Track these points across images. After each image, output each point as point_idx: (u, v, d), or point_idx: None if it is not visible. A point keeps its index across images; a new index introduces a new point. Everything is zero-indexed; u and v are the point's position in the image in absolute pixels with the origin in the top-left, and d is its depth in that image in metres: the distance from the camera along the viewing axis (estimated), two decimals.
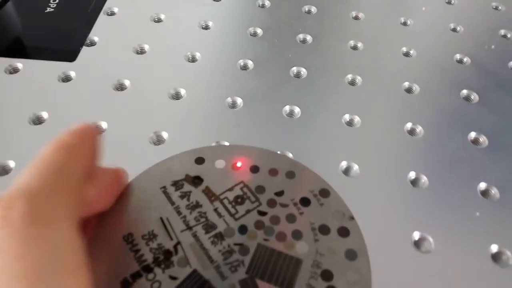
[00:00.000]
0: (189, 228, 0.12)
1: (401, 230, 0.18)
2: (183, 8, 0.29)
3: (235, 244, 0.12)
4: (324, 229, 0.12)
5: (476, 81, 0.25)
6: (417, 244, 0.18)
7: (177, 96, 0.23)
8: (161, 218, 0.13)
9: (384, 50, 0.26)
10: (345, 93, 0.24)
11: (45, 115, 0.22)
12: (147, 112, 0.22)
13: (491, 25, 0.29)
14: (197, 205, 0.13)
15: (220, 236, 0.12)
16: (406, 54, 0.26)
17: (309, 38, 0.27)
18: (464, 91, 0.24)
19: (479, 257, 0.18)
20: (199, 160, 0.14)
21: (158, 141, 0.21)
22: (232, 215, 0.13)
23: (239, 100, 0.23)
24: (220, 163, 0.14)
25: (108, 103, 0.22)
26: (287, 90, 0.24)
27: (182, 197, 0.13)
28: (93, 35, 0.26)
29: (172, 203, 0.13)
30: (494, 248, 0.18)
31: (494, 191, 0.20)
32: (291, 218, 0.13)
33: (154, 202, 0.13)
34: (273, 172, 0.14)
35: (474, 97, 0.24)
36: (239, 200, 0.13)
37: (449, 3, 0.30)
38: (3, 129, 0.21)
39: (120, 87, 0.23)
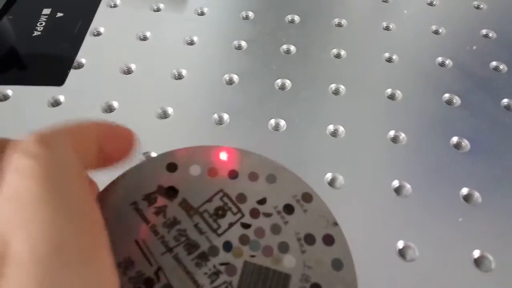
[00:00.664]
0: (169, 250, 0.11)
1: (385, 239, 0.19)
2: (168, 24, 0.29)
3: (221, 264, 0.11)
4: (309, 239, 0.12)
5: (458, 84, 0.25)
6: (402, 252, 0.18)
7: (164, 115, 0.24)
8: (137, 241, 0.11)
9: (367, 57, 0.27)
10: (329, 103, 0.24)
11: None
12: (136, 132, 0.23)
13: (472, 24, 0.29)
14: (175, 221, 0.12)
15: (204, 256, 0.11)
16: (389, 60, 0.27)
17: (292, 48, 0.27)
18: (446, 95, 0.25)
19: (462, 263, 0.18)
20: (171, 167, 0.13)
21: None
22: (214, 230, 0.12)
23: (225, 116, 0.23)
24: (195, 169, 0.13)
25: None
26: (272, 103, 0.24)
27: (157, 213, 0.12)
28: (80, 57, 0.26)
29: (147, 221, 0.12)
30: (476, 253, 0.18)
31: (477, 196, 0.20)
32: (276, 229, 0.12)
33: (126, 222, 0.12)
34: (253, 176, 0.13)
35: (456, 100, 0.24)
36: (220, 212, 0.12)
37: (430, 4, 0.31)
38: None
39: (109, 109, 0.24)
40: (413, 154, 0.22)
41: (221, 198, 0.12)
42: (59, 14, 0.29)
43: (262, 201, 0.12)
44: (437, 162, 0.21)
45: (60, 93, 0.24)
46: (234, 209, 0.12)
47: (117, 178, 0.12)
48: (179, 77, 0.26)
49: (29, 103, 0.24)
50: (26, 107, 0.24)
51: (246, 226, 0.12)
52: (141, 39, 0.28)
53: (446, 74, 0.26)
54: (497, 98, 0.24)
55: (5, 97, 0.24)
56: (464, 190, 0.20)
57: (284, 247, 0.12)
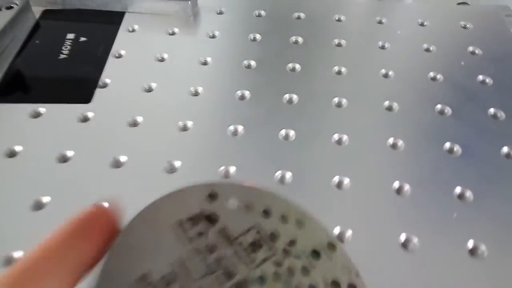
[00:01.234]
0: (209, 273, 0.11)
1: (388, 232, 0.21)
2: (183, 46, 0.32)
3: None
4: (335, 285, 0.12)
5: (449, 96, 0.28)
6: (404, 244, 0.21)
7: (184, 128, 0.26)
8: (179, 260, 0.11)
9: (365, 73, 0.30)
10: (333, 115, 0.27)
11: (70, 153, 0.24)
12: (159, 143, 0.25)
13: (460, 43, 0.32)
14: (215, 247, 0.12)
15: (239, 286, 0.11)
16: (385, 76, 0.29)
17: (298, 66, 0.30)
18: (439, 106, 0.27)
19: (458, 252, 0.20)
20: (213, 196, 0.13)
21: (171, 170, 0.24)
22: (250, 262, 0.12)
23: (240, 128, 0.26)
24: (232, 203, 0.13)
25: (124, 138, 0.25)
26: (282, 116, 0.27)
27: (199, 235, 0.12)
28: (105, 77, 0.29)
29: (190, 241, 0.12)
30: (470, 243, 0.21)
31: (469, 194, 0.22)
32: (305, 271, 0.12)
33: (170, 240, 0.12)
34: (284, 218, 0.13)
35: (448, 110, 0.27)
36: (254, 247, 0.12)
37: (421, 25, 0.34)
38: (32, 167, 0.24)
39: (134, 124, 0.26)
40: (410, 159, 0.24)
41: (256, 233, 0.12)
42: (83, 39, 0.32)
43: (292, 243, 0.13)
44: (432, 165, 0.24)
45: (88, 110, 0.27)
46: (267, 246, 0.12)
47: (161, 198, 0.13)
48: (196, 93, 0.28)
49: (60, 120, 0.26)
50: (58, 123, 0.26)
51: (278, 264, 0.12)
52: (159, 60, 0.31)
53: (438, 87, 0.29)
54: (484, 108, 0.27)
55: (38, 114, 0.27)
56: (458, 189, 0.23)
57: None
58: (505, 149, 0.25)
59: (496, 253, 0.20)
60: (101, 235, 0.11)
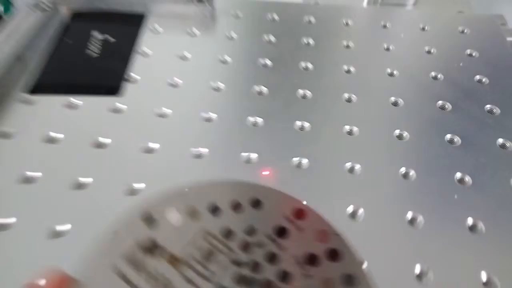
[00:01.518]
0: None
1: (395, 209, 0.23)
2: (203, 46, 0.34)
3: None
4: (312, 259, 0.11)
5: (448, 94, 0.30)
6: (411, 222, 0.23)
7: (209, 120, 0.28)
8: None
9: (372, 72, 0.32)
10: (344, 109, 0.29)
11: (104, 140, 0.27)
12: (186, 132, 0.27)
13: (459, 46, 0.35)
14: (159, 277, 0.11)
15: None
16: (391, 74, 0.32)
17: (310, 65, 0.33)
18: (440, 102, 0.30)
19: (459, 228, 0.23)
20: (149, 220, 0.12)
21: (198, 156, 0.26)
22: (205, 277, 0.11)
23: (259, 120, 0.28)
24: (173, 216, 0.11)
25: (153, 128, 0.28)
26: (297, 109, 0.29)
27: (139, 272, 0.11)
28: (133, 73, 0.31)
29: (130, 283, 0.11)
30: (469, 221, 0.23)
31: (468, 179, 0.25)
32: (272, 258, 0.11)
33: None
34: (236, 206, 0.11)
35: (448, 106, 0.30)
36: (208, 255, 0.11)
37: (423, 29, 0.37)
38: (71, 151, 0.26)
39: (162, 115, 0.29)
40: (415, 148, 0.27)
41: (205, 239, 0.11)
42: (110, 39, 0.35)
43: (251, 231, 0.11)
44: (434, 153, 0.26)
45: (119, 102, 0.29)
46: (222, 248, 0.11)
47: (94, 251, 0.11)
48: (217, 89, 0.31)
49: (94, 110, 0.29)
50: (92, 113, 0.29)
51: (239, 264, 0.11)
52: (181, 59, 0.33)
53: (438, 85, 0.31)
54: (481, 104, 0.30)
55: (74, 105, 0.29)
56: (458, 175, 0.25)
57: (285, 277, 0.11)
58: (500, 140, 0.27)
59: (492, 230, 0.23)
60: None
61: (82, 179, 0.25)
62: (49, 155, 0.26)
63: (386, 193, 0.24)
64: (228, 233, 0.11)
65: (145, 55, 0.33)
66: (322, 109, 0.29)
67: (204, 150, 0.26)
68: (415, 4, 0.44)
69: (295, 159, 0.26)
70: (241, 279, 0.11)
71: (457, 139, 0.27)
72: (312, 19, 0.37)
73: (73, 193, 0.24)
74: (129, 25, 0.36)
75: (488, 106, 0.30)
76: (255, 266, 0.11)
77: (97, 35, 0.35)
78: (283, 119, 0.28)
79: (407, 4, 0.44)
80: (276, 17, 0.38)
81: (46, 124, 0.28)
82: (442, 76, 0.32)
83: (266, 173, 0.26)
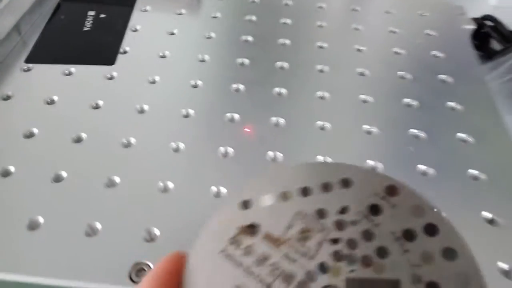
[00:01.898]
0: (268, 286, 0.11)
1: (356, 156, 0.27)
2: (190, 24, 0.37)
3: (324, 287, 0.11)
4: (409, 235, 0.11)
5: (409, 66, 0.34)
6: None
7: (195, 85, 0.31)
8: (237, 286, 0.11)
9: (342, 48, 0.36)
10: (316, 78, 0.33)
11: (100, 103, 0.29)
12: (174, 96, 0.30)
13: (425, 46, 0.38)
14: (265, 257, 0.12)
15: (303, 284, 0.11)
16: (359, 50, 0.36)
17: (287, 42, 0.36)
18: (400, 73, 0.34)
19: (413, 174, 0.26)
20: (245, 204, 0.12)
21: (186, 116, 0.29)
22: (305, 255, 0.11)
23: (241, 86, 0.31)
24: (266, 199, 0.12)
25: (144, 93, 0.30)
26: (275, 78, 0.32)
27: (246, 253, 0.12)
28: (125, 46, 0.34)
29: (240, 264, 0.12)
30: (421, 167, 0.27)
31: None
32: (368, 235, 0.11)
33: (222, 271, 0.11)
34: (326, 186, 0.12)
35: (408, 76, 0.33)
36: (304, 235, 0.12)
37: (387, 12, 0.41)
38: (68, 112, 0.29)
39: (153, 81, 0.31)
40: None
41: (301, 220, 0.12)
42: (102, 15, 0.37)
43: (344, 210, 0.12)
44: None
45: (112, 70, 0.32)
46: (318, 227, 0.12)
47: (200, 232, 0.12)
48: (203, 60, 0.34)
49: (89, 78, 0.31)
50: (87, 80, 0.31)
51: (335, 241, 0.11)
52: (170, 34, 0.36)
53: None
54: (435, 74, 0.34)
55: (70, 73, 0.32)
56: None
57: (382, 252, 0.11)
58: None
59: (441, 176, 0.26)
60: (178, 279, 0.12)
61: (81, 134, 0.27)
62: (47, 116, 0.28)
63: (350, 146, 0.28)
64: (321, 213, 0.12)
65: (135, 30, 0.36)
66: (297, 78, 0.33)
67: (191, 111, 0.29)
68: None
69: (273, 119, 0.29)
70: (340, 256, 0.11)
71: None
72: (290, 2, 0.41)
73: (73, 146, 0.26)
74: (120, 6, 0.39)
75: (442, 76, 0.34)
76: (352, 243, 0.11)
77: (90, 12, 0.37)
78: (263, 86, 0.32)
79: None
80: (257, 0, 0.41)
81: (43, 88, 0.30)
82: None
83: (247, 130, 0.29)
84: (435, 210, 0.11)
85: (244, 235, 0.12)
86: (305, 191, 0.12)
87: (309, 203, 0.12)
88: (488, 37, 0.59)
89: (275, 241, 0.12)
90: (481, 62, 0.38)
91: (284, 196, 0.12)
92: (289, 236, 0.12)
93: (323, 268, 0.11)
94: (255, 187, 0.13)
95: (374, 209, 0.11)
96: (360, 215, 0.11)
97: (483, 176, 0.27)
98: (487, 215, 0.24)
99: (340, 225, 0.11)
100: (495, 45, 0.58)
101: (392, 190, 0.12)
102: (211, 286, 0.11)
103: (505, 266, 0.22)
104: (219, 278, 0.11)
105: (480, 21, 0.57)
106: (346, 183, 0.12)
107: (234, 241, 0.12)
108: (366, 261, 0.11)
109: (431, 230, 0.11)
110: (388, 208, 0.11)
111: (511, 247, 0.23)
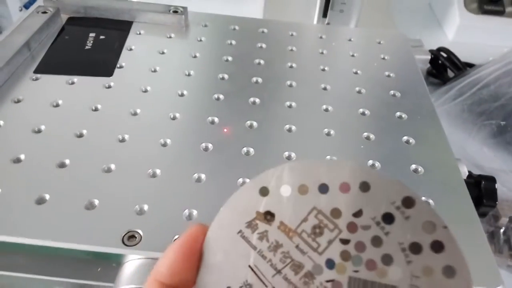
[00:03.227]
0: (278, 272, 0.12)
1: (322, 153, 0.32)
2: (178, 45, 0.43)
3: (327, 281, 0.12)
4: (415, 248, 0.11)
5: (365, 83, 0.40)
6: None
7: (182, 95, 0.37)
8: (250, 266, 0.12)
9: (309, 69, 0.42)
10: (286, 92, 0.38)
11: (99, 106, 0.34)
12: (165, 103, 0.35)
13: (375, 52, 0.46)
14: (278, 244, 0.12)
15: (310, 275, 0.12)
16: (323, 70, 0.42)
17: (262, 61, 0.42)
18: (357, 88, 0.40)
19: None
20: (264, 191, 0.13)
21: (173, 118, 0.34)
22: (315, 249, 0.12)
23: (221, 96, 0.37)
24: (285, 190, 0.13)
25: (139, 99, 0.35)
26: (250, 90, 0.38)
27: (261, 238, 0.12)
28: (121, 62, 0.39)
29: (254, 247, 0.12)
30: (370, 162, 0.32)
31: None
32: (377, 242, 0.12)
33: (238, 250, 0.12)
34: (345, 187, 0.12)
35: (363, 91, 0.39)
36: (317, 230, 0.12)
37: (349, 40, 0.47)
38: (71, 114, 0.33)
39: (145, 90, 0.37)
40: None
41: (315, 216, 0.12)
42: (102, 37, 0.43)
43: (358, 213, 0.12)
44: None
45: (110, 81, 0.37)
46: (331, 226, 0.12)
47: (219, 213, 0.13)
48: (189, 74, 0.39)
49: (90, 87, 0.36)
50: (88, 88, 0.36)
51: (345, 241, 0.12)
52: (160, 54, 0.42)
53: (358, 78, 0.41)
54: (387, 90, 0.40)
55: (73, 82, 0.37)
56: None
57: (387, 259, 0.12)
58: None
59: (386, 169, 0.32)
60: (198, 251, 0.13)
61: (82, 131, 0.32)
62: (52, 116, 0.33)
63: (313, 145, 0.33)
64: (336, 213, 0.12)
65: (131, 50, 0.41)
66: (270, 91, 0.38)
67: (177, 115, 0.34)
68: (356, 26, 0.55)
69: (248, 122, 0.34)
70: (347, 256, 0.12)
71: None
72: (265, 30, 0.47)
73: (75, 140, 0.31)
74: (118, 30, 0.44)
75: (392, 92, 0.40)
76: (360, 246, 0.12)
77: (92, 35, 0.43)
78: (240, 97, 0.37)
79: (349, 24, 0.55)
80: (237, 27, 0.47)
81: (49, 94, 0.35)
82: (361, 72, 0.42)
83: (226, 130, 0.34)
84: (446, 228, 0.11)
85: (261, 221, 0.13)
86: (323, 188, 0.12)
87: (326, 201, 0.12)
88: (445, 67, 0.67)
89: (288, 232, 0.12)
90: (437, 88, 0.45)
91: (303, 190, 0.13)
92: (302, 229, 0.12)
93: (330, 263, 0.12)
94: (277, 175, 0.13)
95: (388, 218, 0.12)
96: (373, 221, 0.12)
97: (421, 169, 0.32)
98: (424, 200, 0.30)
99: (352, 228, 0.12)
100: (450, 73, 0.66)
101: (408, 201, 0.12)
102: (228, 260, 0.12)
103: None
104: (235, 256, 0.12)
105: (436, 52, 0.66)
106: (365, 187, 0.12)
107: (251, 225, 0.13)
108: (370, 265, 0.12)
109: (437, 247, 0.11)
110: (401, 218, 0.12)
111: None
